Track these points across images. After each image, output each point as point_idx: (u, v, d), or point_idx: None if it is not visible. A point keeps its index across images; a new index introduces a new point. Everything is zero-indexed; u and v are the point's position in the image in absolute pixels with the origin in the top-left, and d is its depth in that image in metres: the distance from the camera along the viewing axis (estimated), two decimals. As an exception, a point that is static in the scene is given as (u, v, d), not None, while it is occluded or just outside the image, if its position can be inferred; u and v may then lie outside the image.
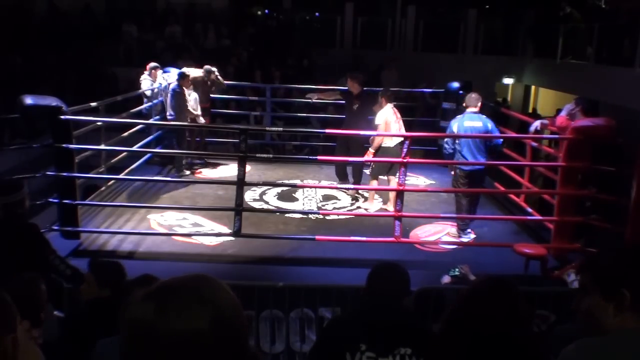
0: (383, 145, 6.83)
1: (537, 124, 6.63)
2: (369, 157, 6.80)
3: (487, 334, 2.22)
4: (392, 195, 6.78)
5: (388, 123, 6.86)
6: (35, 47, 12.20)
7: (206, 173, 8.72)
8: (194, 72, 8.69)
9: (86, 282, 3.26)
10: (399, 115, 7.05)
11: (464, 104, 6.43)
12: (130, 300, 0.98)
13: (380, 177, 7.18)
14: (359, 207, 7.28)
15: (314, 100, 8.58)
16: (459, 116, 6.33)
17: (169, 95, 8.31)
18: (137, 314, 0.93)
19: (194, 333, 0.91)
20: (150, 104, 8.90)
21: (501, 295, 2.27)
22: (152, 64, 9.21)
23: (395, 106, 7.15)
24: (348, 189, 7.49)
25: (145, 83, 9.05)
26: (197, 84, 8.62)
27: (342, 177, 7.59)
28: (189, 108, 8.27)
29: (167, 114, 8.34)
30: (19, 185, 3.81)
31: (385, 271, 2.51)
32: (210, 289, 0.96)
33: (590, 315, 1.48)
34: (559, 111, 12.13)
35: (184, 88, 8.17)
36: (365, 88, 7.57)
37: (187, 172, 8.45)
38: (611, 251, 1.58)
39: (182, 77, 8.21)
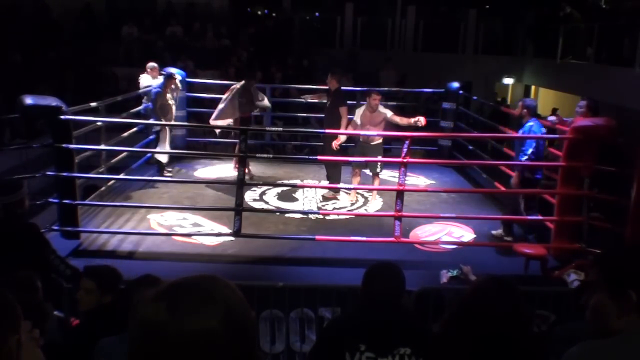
0: (379, 142, 7.08)
1: (553, 118, 6.69)
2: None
3: (489, 334, 2.22)
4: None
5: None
6: (33, 47, 12.19)
7: (205, 173, 8.72)
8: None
9: (83, 290, 3.10)
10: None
11: (524, 111, 6.07)
12: (140, 300, 0.98)
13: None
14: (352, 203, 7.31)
15: (308, 101, 8.57)
16: (537, 123, 6.02)
17: (151, 96, 8.28)
18: (148, 314, 0.93)
19: (205, 333, 0.90)
20: (149, 104, 8.90)
21: (504, 295, 2.27)
22: (151, 64, 9.19)
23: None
24: (348, 189, 7.50)
25: (144, 79, 9.05)
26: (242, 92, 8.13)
27: (337, 179, 7.56)
28: (171, 109, 8.22)
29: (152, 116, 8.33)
30: (19, 185, 3.81)
31: (380, 271, 2.51)
32: (220, 289, 0.96)
33: (596, 312, 1.45)
34: (555, 110, 12.20)
35: (166, 89, 8.14)
36: (359, 87, 7.58)
37: (168, 174, 8.35)
38: (622, 250, 1.55)
39: (168, 78, 8.19)
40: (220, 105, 8.07)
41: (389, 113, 6.98)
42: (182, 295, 0.94)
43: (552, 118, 6.66)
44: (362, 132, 6.93)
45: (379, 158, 6.97)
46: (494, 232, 6.42)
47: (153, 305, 0.93)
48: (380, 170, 7.14)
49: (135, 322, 0.94)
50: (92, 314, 3.03)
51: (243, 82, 8.24)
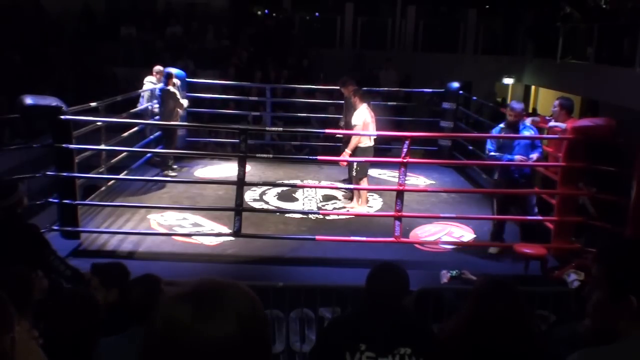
0: (362, 145, 6.82)
1: (527, 121, 6.65)
2: (345, 157, 6.82)
3: (492, 337, 2.22)
4: (363, 195, 7.10)
5: (366, 124, 6.83)
6: (33, 47, 12.18)
7: (205, 173, 8.72)
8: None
9: (92, 288, 3.13)
10: (373, 115, 7.04)
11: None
12: (165, 298, 0.98)
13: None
14: (344, 207, 7.28)
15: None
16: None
17: (156, 96, 8.31)
18: (173, 316, 0.93)
19: (225, 339, 0.91)
20: (147, 105, 8.91)
21: (504, 298, 2.27)
22: (158, 67, 9.19)
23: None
24: (347, 189, 7.48)
25: (148, 82, 9.08)
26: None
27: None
28: (177, 109, 8.27)
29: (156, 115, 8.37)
30: (14, 187, 3.80)
31: (384, 272, 2.51)
32: (244, 298, 0.97)
33: (596, 312, 1.40)
34: (535, 111, 12.18)
35: (170, 88, 8.18)
36: (364, 88, 7.54)
37: (173, 173, 8.42)
38: (626, 248, 1.45)
39: (169, 77, 8.24)
40: None
41: (356, 122, 6.80)
42: (208, 299, 0.94)
43: (532, 119, 6.62)
44: (361, 133, 6.88)
45: (359, 160, 6.76)
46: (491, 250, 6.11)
47: (178, 307, 0.93)
48: (355, 174, 6.93)
49: (158, 320, 0.93)
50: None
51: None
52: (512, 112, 5.97)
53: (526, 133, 5.91)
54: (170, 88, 8.20)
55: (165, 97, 8.14)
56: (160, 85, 8.52)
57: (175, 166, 8.59)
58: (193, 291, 0.95)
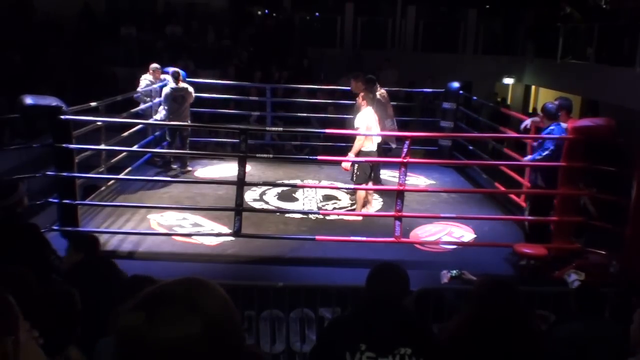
0: (364, 149, 6.61)
1: (527, 122, 6.65)
2: (347, 162, 6.71)
3: (492, 336, 2.23)
4: (360, 201, 6.90)
5: (369, 128, 6.62)
6: (33, 47, 12.18)
7: (205, 173, 8.72)
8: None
9: (67, 255, 3.72)
10: (377, 117, 6.86)
11: (541, 115, 6.02)
12: (122, 309, 0.99)
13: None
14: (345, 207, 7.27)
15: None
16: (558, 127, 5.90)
17: (163, 95, 8.33)
18: (127, 323, 0.94)
19: (184, 341, 0.92)
20: (148, 104, 8.91)
21: (505, 298, 2.28)
22: (154, 65, 9.18)
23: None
24: (349, 189, 7.47)
25: (145, 80, 9.07)
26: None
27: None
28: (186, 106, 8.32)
29: (163, 115, 8.37)
30: (15, 187, 3.80)
31: (385, 272, 2.52)
32: (200, 294, 0.97)
33: None
34: (535, 111, 12.19)
35: (185, 85, 8.23)
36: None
37: (174, 172, 8.44)
38: None
39: (177, 75, 8.30)
40: None
41: (358, 125, 6.66)
42: (161, 304, 0.95)
43: (527, 121, 6.62)
44: (362, 133, 6.86)
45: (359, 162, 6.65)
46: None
47: (132, 315, 0.95)
48: (355, 179, 6.77)
49: (116, 332, 0.96)
50: (68, 273, 3.51)
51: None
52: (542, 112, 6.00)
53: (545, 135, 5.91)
54: (186, 86, 8.27)
55: (185, 95, 8.23)
56: (168, 83, 8.50)
57: (174, 166, 8.59)
58: (147, 297, 0.96)
